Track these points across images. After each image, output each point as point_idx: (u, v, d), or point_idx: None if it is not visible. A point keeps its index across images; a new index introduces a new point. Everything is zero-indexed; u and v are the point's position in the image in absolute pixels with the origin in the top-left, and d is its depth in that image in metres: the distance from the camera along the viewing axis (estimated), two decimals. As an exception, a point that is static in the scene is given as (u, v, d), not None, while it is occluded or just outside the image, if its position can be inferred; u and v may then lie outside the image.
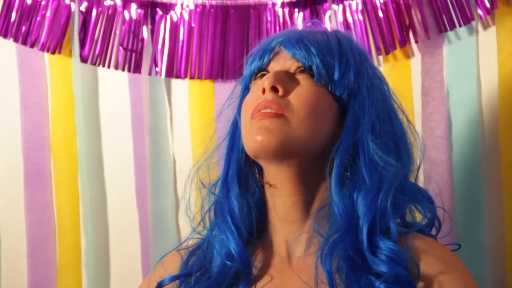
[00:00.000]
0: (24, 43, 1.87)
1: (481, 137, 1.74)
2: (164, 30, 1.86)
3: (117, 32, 1.86)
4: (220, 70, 1.85)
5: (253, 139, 1.29)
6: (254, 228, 1.36)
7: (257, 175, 1.38)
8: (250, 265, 1.34)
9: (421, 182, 1.68)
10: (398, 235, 1.28)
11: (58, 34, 1.86)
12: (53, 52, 1.87)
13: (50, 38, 1.87)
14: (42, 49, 1.87)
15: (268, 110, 1.29)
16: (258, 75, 1.37)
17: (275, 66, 1.35)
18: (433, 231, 1.39)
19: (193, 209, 1.44)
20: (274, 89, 1.30)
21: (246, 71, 1.40)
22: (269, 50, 1.36)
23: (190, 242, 1.43)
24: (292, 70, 1.34)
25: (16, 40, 1.87)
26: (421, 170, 1.71)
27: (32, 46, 1.87)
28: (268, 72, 1.35)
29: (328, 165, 1.31)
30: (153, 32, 1.86)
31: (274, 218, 1.36)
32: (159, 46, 1.86)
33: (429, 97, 1.76)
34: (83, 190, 1.86)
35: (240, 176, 1.37)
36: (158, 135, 1.87)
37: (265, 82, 1.30)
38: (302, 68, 1.33)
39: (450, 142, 1.75)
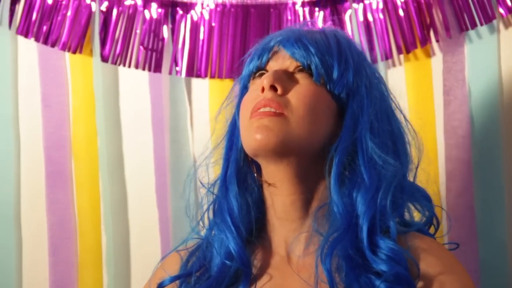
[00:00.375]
0: (45, 42, 1.89)
1: (503, 136, 1.74)
2: (184, 30, 1.87)
3: (138, 31, 1.88)
4: (240, 69, 1.86)
5: (253, 138, 1.29)
6: (253, 227, 1.37)
7: (255, 174, 1.39)
8: (249, 264, 1.34)
9: (443, 181, 1.70)
10: (398, 234, 1.28)
11: (79, 34, 1.88)
12: (74, 52, 1.88)
13: (71, 37, 1.88)
14: (63, 48, 1.88)
15: (267, 109, 1.30)
16: (257, 74, 1.38)
17: (274, 65, 1.36)
18: (432, 230, 1.40)
19: (192, 209, 1.45)
20: (273, 88, 1.31)
21: (245, 70, 1.40)
22: (268, 50, 1.37)
23: (190, 243, 1.44)
24: (291, 69, 1.34)
25: (37, 39, 1.89)
26: (441, 170, 1.73)
27: (53, 45, 1.89)
28: (266, 71, 1.36)
29: (327, 164, 1.31)
30: (174, 32, 1.87)
31: (273, 217, 1.37)
32: (180, 46, 1.87)
33: (451, 96, 1.77)
34: (104, 189, 1.88)
35: (239, 175, 1.38)
36: (178, 134, 1.88)
37: (264, 80, 1.31)
38: (301, 67, 1.34)
39: (472, 141, 1.75)
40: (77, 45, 1.88)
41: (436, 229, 1.40)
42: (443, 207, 1.73)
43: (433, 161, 1.76)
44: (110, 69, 1.89)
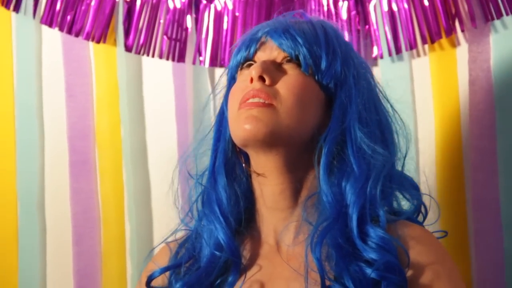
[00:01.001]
0: (69, 32, 1.91)
1: (528, 125, 1.75)
2: (208, 19, 1.88)
3: (162, 21, 1.89)
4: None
5: (242, 128, 1.31)
6: (243, 217, 1.38)
7: (244, 165, 1.40)
8: (239, 254, 1.36)
9: (468, 172, 1.70)
10: (387, 223, 1.30)
11: (103, 24, 1.89)
12: (98, 41, 1.90)
13: (95, 27, 1.90)
14: (87, 38, 1.90)
15: (256, 100, 1.31)
16: (245, 65, 1.38)
17: (262, 56, 1.37)
18: (420, 218, 1.41)
19: (181, 200, 1.47)
20: (261, 78, 1.32)
21: (232, 61, 1.41)
22: (255, 40, 1.38)
23: (179, 234, 1.45)
24: (279, 60, 1.36)
25: (61, 29, 1.91)
26: (466, 161, 1.73)
27: (77, 35, 1.90)
28: (254, 62, 1.37)
29: (316, 154, 1.32)
30: (197, 21, 1.88)
31: (262, 207, 1.38)
32: (203, 35, 1.88)
33: (476, 86, 1.77)
34: (128, 178, 1.89)
35: (227, 166, 1.39)
36: (202, 124, 1.89)
37: (252, 71, 1.32)
38: (288, 58, 1.35)
39: (497, 131, 1.75)
40: (101, 35, 1.90)
41: (424, 217, 1.42)
42: (467, 196, 1.74)
43: (457, 151, 1.76)
44: (134, 59, 1.91)
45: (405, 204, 1.40)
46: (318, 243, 1.27)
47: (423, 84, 1.82)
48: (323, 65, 1.34)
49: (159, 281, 1.40)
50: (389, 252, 1.26)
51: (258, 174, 1.36)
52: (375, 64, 1.83)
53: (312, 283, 1.27)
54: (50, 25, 1.91)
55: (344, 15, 1.82)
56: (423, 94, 1.82)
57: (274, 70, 1.33)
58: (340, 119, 1.33)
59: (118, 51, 1.90)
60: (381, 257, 1.25)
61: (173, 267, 1.39)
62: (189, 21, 1.89)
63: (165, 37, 1.89)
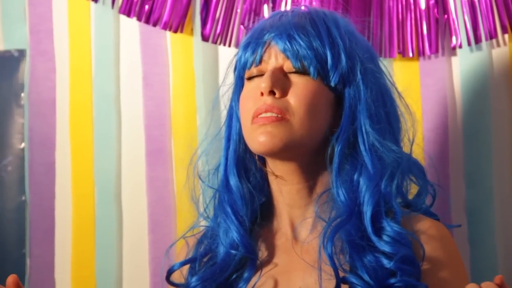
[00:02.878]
0: (147, 21, 1.96)
1: None
2: (285, 5, 1.90)
3: (238, 11, 1.93)
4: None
5: (257, 143, 1.36)
6: (258, 212, 1.44)
7: (257, 162, 1.45)
8: (255, 251, 1.42)
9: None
10: (402, 216, 1.35)
11: (180, 13, 1.94)
12: (175, 31, 1.95)
13: (172, 16, 1.95)
14: (164, 27, 1.95)
15: (269, 114, 1.35)
16: (253, 69, 1.41)
17: (268, 60, 1.39)
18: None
19: (197, 195, 1.53)
20: (272, 92, 1.36)
21: (239, 59, 1.44)
22: (261, 44, 1.40)
23: (196, 229, 1.53)
24: (286, 69, 1.38)
25: (139, 19, 1.97)
26: None
27: (154, 24, 1.96)
28: (261, 65, 1.39)
29: (329, 153, 1.37)
30: (274, 11, 1.91)
31: (280, 202, 1.44)
32: (279, 25, 1.91)
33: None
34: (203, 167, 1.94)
35: (239, 165, 1.45)
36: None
37: (262, 85, 1.36)
38: (296, 69, 1.38)
39: None
40: (178, 25, 1.95)
41: (434, 199, 1.48)
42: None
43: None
44: (211, 49, 1.95)
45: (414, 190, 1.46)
46: (330, 240, 1.32)
47: (503, 75, 1.82)
48: (330, 67, 1.37)
49: (176, 276, 1.47)
50: (404, 246, 1.31)
51: (276, 176, 1.42)
52: (454, 54, 1.84)
53: (327, 276, 1.32)
54: (128, 14, 1.97)
55: (422, 4, 1.84)
56: (501, 84, 1.83)
57: (283, 80, 1.37)
58: (350, 118, 1.37)
59: (195, 40, 1.95)
60: (397, 251, 1.30)
61: (190, 261, 1.46)
62: (266, 10, 1.92)
63: (241, 26, 1.92)
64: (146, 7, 1.95)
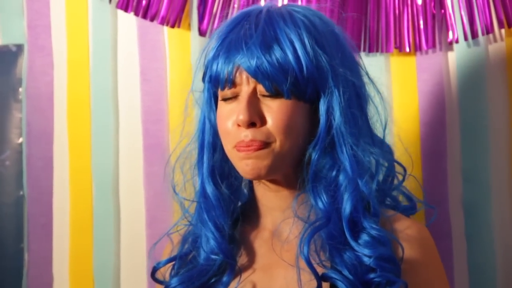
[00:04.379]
0: (144, 16, 1.99)
1: None
2: (282, 2, 1.92)
3: (236, 6, 1.95)
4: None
5: (243, 171, 1.40)
6: (239, 213, 1.49)
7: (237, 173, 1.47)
8: (233, 257, 1.45)
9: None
10: (382, 216, 1.39)
11: (177, 8, 1.97)
12: (173, 26, 1.98)
13: (170, 11, 1.97)
14: (162, 22, 1.98)
15: (251, 147, 1.38)
16: (225, 88, 1.41)
17: (241, 84, 1.39)
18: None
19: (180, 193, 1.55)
20: (250, 123, 1.38)
21: (209, 71, 1.42)
22: (231, 67, 1.38)
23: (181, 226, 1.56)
24: (259, 90, 1.38)
25: (136, 13, 1.99)
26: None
27: (152, 19, 1.99)
28: (235, 88, 1.39)
29: (306, 159, 1.41)
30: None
31: (262, 204, 1.48)
32: (277, 20, 1.93)
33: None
34: (201, 162, 1.96)
35: (214, 172, 1.47)
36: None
37: (240, 117, 1.37)
38: (269, 94, 1.39)
39: None
40: (175, 19, 1.97)
41: (404, 178, 1.52)
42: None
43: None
44: (208, 43, 1.97)
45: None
46: (306, 243, 1.36)
47: (500, 69, 1.85)
48: (302, 85, 1.37)
49: (161, 271, 1.51)
50: (383, 245, 1.35)
51: (259, 183, 1.47)
52: (451, 49, 1.87)
53: (308, 275, 1.36)
54: (126, 9, 2.00)
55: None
56: (498, 79, 1.85)
57: (259, 107, 1.38)
58: (326, 128, 1.39)
59: (192, 35, 1.97)
60: (375, 251, 1.34)
61: (174, 260, 1.49)
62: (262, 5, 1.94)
63: (240, 21, 1.95)
64: (144, 2, 1.98)
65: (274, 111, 1.37)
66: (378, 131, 1.51)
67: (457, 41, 1.85)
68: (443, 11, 1.86)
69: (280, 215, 1.46)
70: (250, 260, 1.47)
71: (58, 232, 2.05)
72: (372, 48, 1.89)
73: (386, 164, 1.48)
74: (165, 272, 1.51)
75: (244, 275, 1.45)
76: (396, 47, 1.88)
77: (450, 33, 1.86)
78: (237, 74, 1.38)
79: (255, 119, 1.37)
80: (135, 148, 2.01)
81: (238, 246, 1.48)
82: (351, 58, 1.46)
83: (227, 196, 1.47)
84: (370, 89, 1.49)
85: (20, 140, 2.05)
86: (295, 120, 1.38)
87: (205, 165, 1.47)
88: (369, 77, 1.50)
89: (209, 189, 1.46)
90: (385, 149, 1.49)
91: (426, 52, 1.87)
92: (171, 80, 2.00)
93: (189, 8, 1.98)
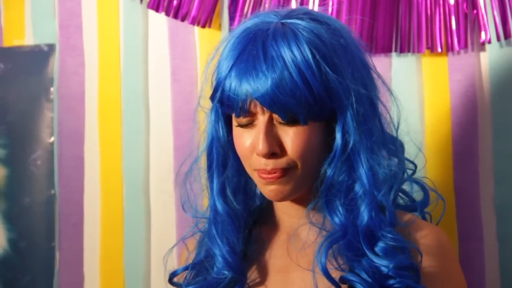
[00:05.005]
0: (175, 17, 2.00)
1: None
2: (313, 3, 1.93)
3: (266, 6, 1.95)
4: (368, 44, 1.90)
5: (268, 195, 1.41)
6: (255, 216, 1.50)
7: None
8: (243, 272, 1.46)
9: None
10: (398, 224, 1.39)
11: (208, 8, 1.98)
12: (203, 26, 1.98)
13: (201, 12, 1.98)
14: (193, 22, 1.99)
15: (273, 175, 1.38)
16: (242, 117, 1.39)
17: (257, 112, 1.36)
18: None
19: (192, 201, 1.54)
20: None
21: (221, 89, 1.39)
22: (244, 99, 1.35)
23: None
24: (275, 117, 1.36)
25: (167, 13, 2.00)
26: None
27: (183, 20, 2.00)
28: (250, 116, 1.37)
29: (321, 173, 1.40)
30: (302, 5, 1.93)
31: (278, 209, 1.49)
32: (308, 20, 1.94)
33: None
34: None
35: (224, 190, 1.47)
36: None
37: (260, 150, 1.36)
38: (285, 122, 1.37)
39: None
40: (206, 20, 1.98)
41: (414, 171, 1.53)
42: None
43: None
44: (238, 44, 1.98)
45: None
46: (324, 254, 1.36)
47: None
48: (317, 110, 1.35)
49: (177, 278, 1.53)
50: (401, 254, 1.36)
51: None
52: (483, 49, 1.86)
53: (325, 279, 1.37)
54: (157, 9, 2.01)
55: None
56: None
57: (277, 137, 1.37)
58: (343, 146, 1.38)
59: (222, 35, 1.98)
60: (394, 261, 1.34)
61: (191, 267, 1.50)
62: (293, 5, 1.94)
63: (270, 21, 1.95)
64: (175, 2, 1.99)
65: (292, 137, 1.36)
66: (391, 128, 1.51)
67: (489, 42, 1.85)
68: (475, 11, 1.85)
69: (297, 220, 1.46)
70: (267, 261, 1.48)
71: (89, 231, 2.07)
72: (404, 48, 1.89)
73: (399, 168, 1.47)
74: (180, 276, 1.53)
75: (260, 276, 1.47)
76: (428, 48, 1.87)
77: (483, 33, 1.85)
78: (252, 104, 1.36)
79: (275, 149, 1.36)
80: (165, 147, 2.02)
81: (256, 246, 1.49)
82: (362, 65, 1.43)
83: (239, 212, 1.47)
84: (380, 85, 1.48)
85: (52, 139, 2.07)
86: (312, 141, 1.37)
87: (215, 184, 1.47)
88: (379, 77, 1.48)
89: (220, 207, 1.46)
90: (397, 146, 1.48)
91: (458, 53, 1.87)
92: (201, 80, 2.00)
93: (220, 8, 1.99)
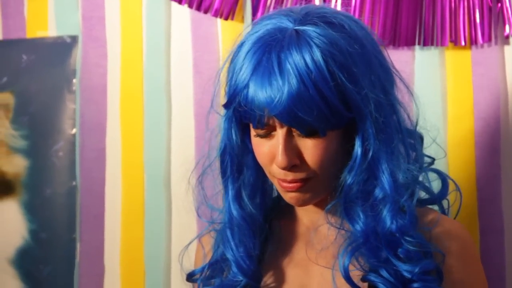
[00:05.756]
0: (198, 9, 2.01)
1: None
2: (336, 0, 1.93)
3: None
4: (392, 37, 1.91)
5: (288, 199, 1.41)
6: (274, 214, 1.50)
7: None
8: (258, 278, 1.46)
9: None
10: (420, 224, 1.39)
11: (231, 0, 1.98)
12: (226, 18, 1.99)
13: (224, 4, 1.99)
14: (216, 15, 2.00)
15: (294, 185, 1.37)
16: (259, 129, 1.38)
17: (275, 124, 1.35)
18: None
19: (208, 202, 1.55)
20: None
21: (235, 106, 1.37)
22: (261, 115, 1.33)
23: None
24: (294, 129, 1.35)
25: (190, 6, 2.01)
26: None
27: (205, 12, 2.00)
28: (268, 128, 1.36)
29: (340, 182, 1.39)
30: (325, 2, 1.94)
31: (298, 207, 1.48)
32: (331, 13, 1.94)
33: None
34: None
35: (240, 196, 1.46)
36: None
37: (279, 163, 1.34)
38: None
39: None
40: (229, 12, 1.99)
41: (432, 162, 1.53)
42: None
43: None
44: (261, 36, 1.98)
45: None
46: (348, 259, 1.36)
47: None
48: (335, 121, 1.33)
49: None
50: (424, 258, 1.36)
51: None
52: (507, 43, 1.86)
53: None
54: (180, 1, 2.02)
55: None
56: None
57: (296, 149, 1.35)
58: (362, 155, 1.36)
59: (245, 28, 1.96)
60: (415, 267, 1.34)
61: (209, 266, 1.51)
62: (316, 1, 1.95)
63: (292, 14, 1.96)
64: (198, -6, 2.00)
65: (312, 148, 1.35)
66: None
67: (513, 35, 1.85)
68: (499, 4, 1.85)
69: (316, 216, 1.46)
70: (286, 255, 1.48)
71: (110, 223, 2.08)
72: (427, 41, 1.89)
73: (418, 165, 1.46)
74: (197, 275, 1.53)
75: (280, 269, 1.47)
76: (451, 41, 1.87)
77: (507, 26, 1.85)
78: (270, 119, 1.34)
79: (295, 162, 1.35)
80: (187, 140, 2.03)
81: (275, 240, 1.49)
82: (380, 66, 1.39)
83: (256, 216, 1.46)
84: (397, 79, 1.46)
85: (74, 131, 2.08)
86: (332, 151, 1.36)
87: (230, 190, 1.46)
88: (397, 75, 1.45)
89: (235, 212, 1.46)
90: (416, 138, 1.47)
91: (482, 46, 1.87)
92: (223, 73, 2.00)
93: (242, 0, 1.99)
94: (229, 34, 2.00)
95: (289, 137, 1.35)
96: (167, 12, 2.05)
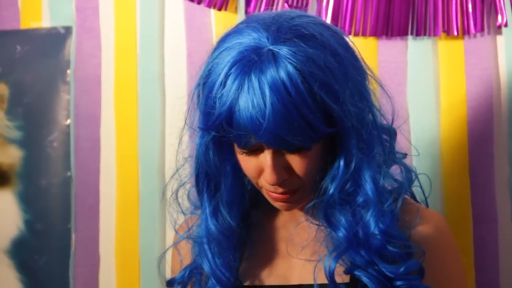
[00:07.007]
0: (192, -1, 2.02)
1: None
2: None
3: (282, -10, 1.97)
4: (385, 27, 1.92)
5: (276, 206, 1.42)
6: (253, 199, 1.50)
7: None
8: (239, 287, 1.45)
9: None
10: (400, 220, 1.41)
11: (225, -9, 1.99)
12: (220, 9, 2.00)
13: (217, -6, 2.00)
14: (209, 5, 2.00)
15: (283, 196, 1.38)
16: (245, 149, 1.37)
17: (262, 144, 1.33)
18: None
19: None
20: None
21: (215, 126, 1.33)
22: (249, 138, 1.32)
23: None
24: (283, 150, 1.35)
25: (184, -4, 2.02)
26: None
27: (199, 2, 2.01)
28: (254, 147, 1.34)
29: (323, 187, 1.39)
30: (319, -10, 1.96)
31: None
32: (324, 3, 1.95)
33: None
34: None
35: (217, 211, 1.44)
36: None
37: (269, 181, 1.35)
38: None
39: None
40: (222, 2, 2.00)
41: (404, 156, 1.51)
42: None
43: None
44: (254, 26, 1.98)
45: None
46: (333, 263, 1.37)
47: None
48: (318, 135, 1.32)
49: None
50: (406, 258, 1.38)
51: None
52: (499, 33, 1.87)
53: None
54: (173, -8, 2.03)
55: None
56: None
57: (285, 165, 1.35)
58: (345, 166, 1.36)
59: (239, 18, 1.98)
60: (398, 269, 1.36)
61: (189, 270, 1.50)
62: (310, -7, 1.96)
63: (286, 4, 1.96)
64: (191, -16, 2.01)
65: (299, 161, 1.35)
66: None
67: (506, 25, 1.85)
68: (492, -6, 1.86)
69: (298, 212, 1.48)
70: (268, 245, 1.49)
71: (105, 213, 2.09)
72: (420, 31, 1.90)
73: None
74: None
75: (262, 260, 1.48)
76: (444, 31, 1.88)
77: (499, 16, 1.86)
78: (257, 141, 1.32)
79: (284, 177, 1.35)
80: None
81: (256, 230, 1.50)
82: (355, 70, 1.37)
83: (234, 227, 1.45)
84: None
85: (68, 121, 2.09)
86: (318, 159, 1.36)
87: (207, 206, 1.45)
88: (373, 77, 1.44)
89: (213, 227, 1.44)
90: (391, 134, 1.47)
91: (474, 36, 1.88)
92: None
93: (236, -9, 2.00)
94: (223, 25, 2.00)
95: (277, 155, 1.34)
96: (160, 2, 2.05)
